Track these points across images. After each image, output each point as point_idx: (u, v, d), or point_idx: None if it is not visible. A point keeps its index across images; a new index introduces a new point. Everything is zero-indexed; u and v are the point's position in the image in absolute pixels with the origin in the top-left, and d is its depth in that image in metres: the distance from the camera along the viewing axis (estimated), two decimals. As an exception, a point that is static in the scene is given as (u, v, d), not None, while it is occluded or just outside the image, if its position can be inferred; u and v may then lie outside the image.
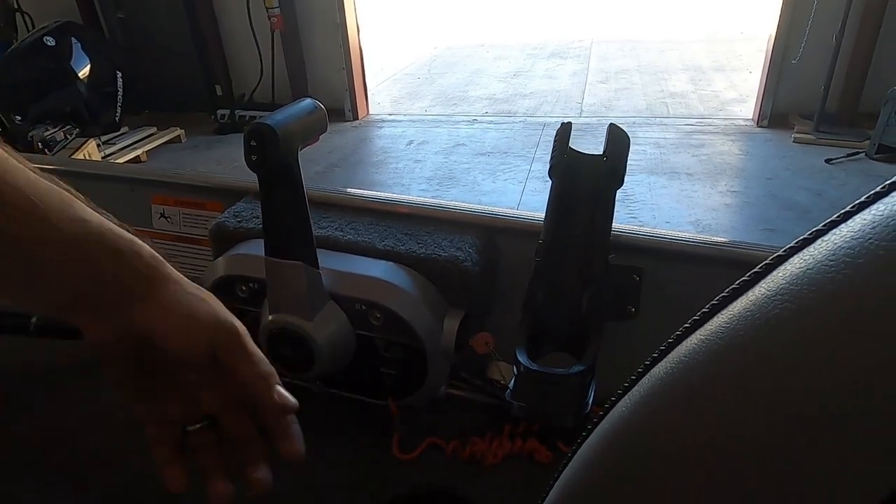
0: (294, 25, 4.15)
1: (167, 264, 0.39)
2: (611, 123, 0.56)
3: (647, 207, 2.87)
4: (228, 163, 3.71)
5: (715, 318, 0.21)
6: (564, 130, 0.57)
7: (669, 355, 0.23)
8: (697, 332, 0.22)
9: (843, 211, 0.19)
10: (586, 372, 0.49)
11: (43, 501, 0.62)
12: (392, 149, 3.89)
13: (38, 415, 0.72)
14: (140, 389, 0.41)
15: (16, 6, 4.11)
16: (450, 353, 0.63)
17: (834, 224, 0.19)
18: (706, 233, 2.70)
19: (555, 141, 0.57)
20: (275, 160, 0.53)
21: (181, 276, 0.39)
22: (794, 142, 3.49)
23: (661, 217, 2.82)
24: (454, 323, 0.63)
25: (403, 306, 0.61)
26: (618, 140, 0.54)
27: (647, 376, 0.24)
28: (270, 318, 0.61)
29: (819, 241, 0.19)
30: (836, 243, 0.18)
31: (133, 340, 0.37)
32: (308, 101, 0.58)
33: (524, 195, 3.13)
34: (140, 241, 0.37)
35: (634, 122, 4.04)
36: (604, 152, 0.54)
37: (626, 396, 0.25)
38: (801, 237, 0.20)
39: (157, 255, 0.38)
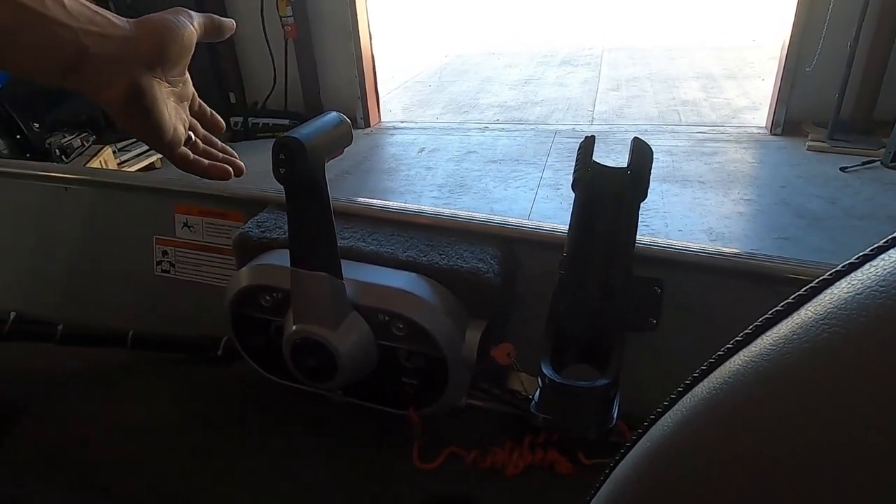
0: (307, 33, 4.18)
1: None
2: (635, 137, 0.56)
3: (658, 215, 2.86)
4: (241, 170, 3.73)
5: (759, 340, 0.22)
6: (588, 144, 0.57)
7: (712, 375, 0.23)
8: (741, 353, 0.22)
9: (890, 237, 0.19)
10: (611, 384, 0.49)
11: None
12: (403, 156, 3.91)
13: (61, 422, 0.73)
14: (157, 122, 0.47)
15: (35, 15, 4.17)
16: (471, 364, 0.64)
17: (882, 249, 0.19)
18: (719, 241, 2.68)
19: (578, 154, 0.57)
20: (302, 173, 0.53)
21: (145, 17, 0.46)
22: (807, 150, 3.47)
23: (674, 225, 2.81)
24: (476, 334, 0.63)
25: (426, 317, 0.61)
26: (642, 153, 0.55)
27: (689, 395, 0.24)
28: (294, 328, 0.62)
29: (867, 266, 0.19)
30: (885, 269, 0.18)
31: (145, 82, 0.44)
32: (333, 114, 0.59)
33: (536, 202, 3.13)
34: (112, 16, 0.43)
35: (646, 130, 4.04)
36: (628, 165, 0.54)
37: (667, 415, 0.25)
38: (847, 262, 0.20)
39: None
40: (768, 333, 0.21)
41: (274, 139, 0.54)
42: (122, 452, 0.69)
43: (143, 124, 0.46)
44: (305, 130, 0.54)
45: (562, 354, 0.55)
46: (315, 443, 0.69)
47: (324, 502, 0.63)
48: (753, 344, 0.22)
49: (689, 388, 0.25)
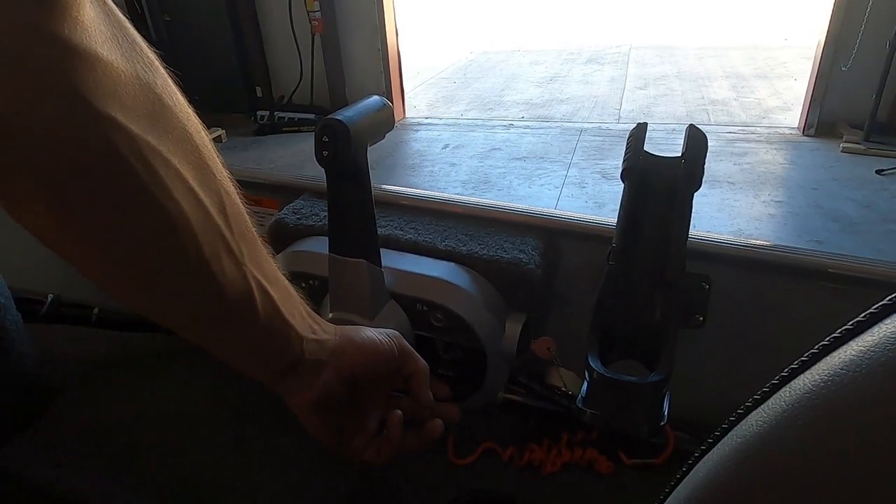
0: (333, 28, 4.19)
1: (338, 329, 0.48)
2: (690, 125, 0.54)
3: (687, 216, 2.81)
4: (266, 164, 3.75)
5: (875, 329, 0.20)
6: (639, 131, 0.55)
7: (815, 367, 0.21)
8: (853, 343, 0.20)
9: None
10: (664, 381, 0.47)
11: (102, 492, 0.63)
12: (427, 152, 3.90)
13: (97, 405, 0.73)
14: (342, 423, 0.49)
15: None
16: (511, 357, 0.62)
17: None
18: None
19: (628, 142, 0.55)
20: (345, 157, 0.52)
21: (345, 327, 0.49)
22: (842, 151, 3.38)
23: (702, 227, 2.75)
24: (516, 326, 0.62)
25: (465, 308, 0.60)
26: (696, 141, 0.52)
27: (787, 389, 0.22)
28: (331, 315, 0.61)
29: None
30: None
31: (339, 388, 0.46)
32: (376, 98, 0.58)
33: (560, 200, 3.10)
34: (323, 322, 0.46)
35: (674, 130, 3.97)
36: (682, 154, 0.52)
37: (760, 410, 0.23)
38: None
39: (332, 331, 0.47)
40: (888, 321, 0.20)
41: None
42: (156, 438, 0.68)
43: (323, 426, 0.47)
44: (349, 113, 0.53)
45: (609, 349, 0.53)
46: None
47: (358, 493, 0.62)
48: (869, 332, 0.20)
49: (785, 380, 0.23)
